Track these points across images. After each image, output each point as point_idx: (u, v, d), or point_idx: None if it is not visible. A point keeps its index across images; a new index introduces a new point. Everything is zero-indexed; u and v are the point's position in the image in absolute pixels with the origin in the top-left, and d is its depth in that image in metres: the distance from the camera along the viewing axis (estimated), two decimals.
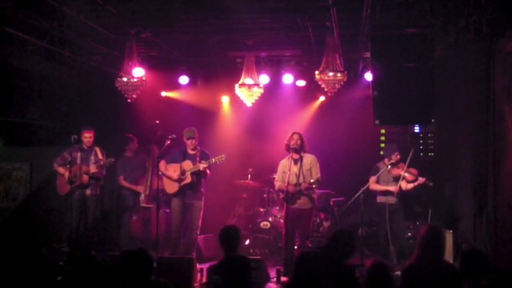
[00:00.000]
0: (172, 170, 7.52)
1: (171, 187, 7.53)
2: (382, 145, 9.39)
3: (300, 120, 9.62)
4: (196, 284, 6.19)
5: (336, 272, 4.23)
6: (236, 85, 8.04)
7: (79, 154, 7.64)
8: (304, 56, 8.71)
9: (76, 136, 7.43)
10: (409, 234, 8.11)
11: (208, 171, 7.44)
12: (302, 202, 7.10)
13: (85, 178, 7.57)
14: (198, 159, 7.48)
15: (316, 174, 7.09)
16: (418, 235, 4.57)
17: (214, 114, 10.11)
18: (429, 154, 9.02)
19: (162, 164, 7.43)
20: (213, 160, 7.38)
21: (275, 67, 8.94)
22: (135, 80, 7.51)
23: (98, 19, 6.69)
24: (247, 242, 8.66)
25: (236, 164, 8.89)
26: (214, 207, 8.33)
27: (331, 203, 8.72)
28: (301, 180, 7.07)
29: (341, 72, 7.09)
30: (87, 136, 7.70)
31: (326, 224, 8.71)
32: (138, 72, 7.56)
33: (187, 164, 7.46)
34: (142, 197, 8.11)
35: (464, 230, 7.12)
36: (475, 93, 6.58)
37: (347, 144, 9.32)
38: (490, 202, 6.08)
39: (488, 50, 6.00)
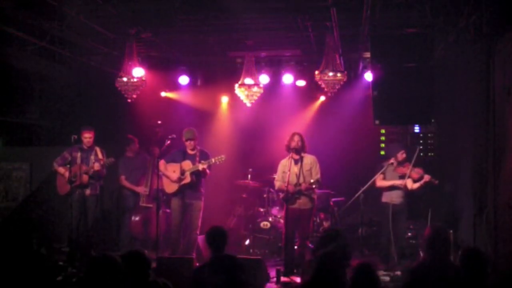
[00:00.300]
0: (171, 170, 7.53)
1: (171, 187, 7.53)
2: (382, 145, 9.37)
3: (300, 120, 9.61)
4: None
5: None
6: (236, 85, 8.05)
7: (79, 154, 7.64)
8: (304, 56, 8.71)
9: (76, 136, 7.42)
10: (409, 234, 8.10)
11: (208, 171, 7.44)
12: (302, 202, 7.10)
13: (85, 178, 7.58)
14: (197, 159, 7.49)
15: (316, 174, 7.10)
16: (423, 237, 4.54)
17: (214, 114, 10.11)
18: (429, 154, 9.00)
19: (161, 163, 7.43)
20: (213, 160, 7.38)
21: (275, 67, 8.92)
22: (135, 80, 7.52)
23: (98, 19, 6.69)
24: (247, 242, 8.66)
25: (236, 164, 8.91)
26: (214, 207, 8.34)
27: (331, 203, 8.73)
28: (301, 180, 7.07)
29: (341, 72, 7.10)
30: (87, 136, 7.70)
31: (326, 224, 8.71)
32: (138, 72, 7.57)
33: (187, 164, 7.46)
34: (142, 197, 8.14)
35: (464, 230, 7.11)
36: (475, 93, 6.56)
37: (347, 144, 9.30)
38: (490, 202, 6.06)
39: (488, 50, 5.98)
